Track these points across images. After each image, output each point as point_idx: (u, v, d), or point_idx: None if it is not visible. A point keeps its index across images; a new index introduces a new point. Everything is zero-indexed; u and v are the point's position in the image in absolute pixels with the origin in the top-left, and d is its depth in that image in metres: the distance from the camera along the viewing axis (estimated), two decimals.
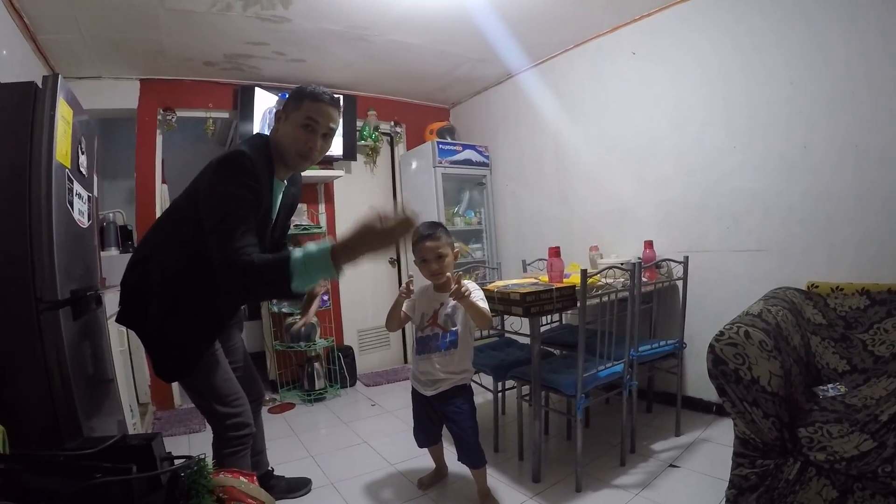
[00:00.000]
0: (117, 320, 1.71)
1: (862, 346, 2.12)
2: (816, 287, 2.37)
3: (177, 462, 1.22)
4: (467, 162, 4.48)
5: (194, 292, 1.59)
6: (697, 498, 2.05)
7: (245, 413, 1.73)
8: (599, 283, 2.39)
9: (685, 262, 2.74)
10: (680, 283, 2.82)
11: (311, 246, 1.29)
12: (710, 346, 1.71)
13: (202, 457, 1.31)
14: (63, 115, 1.60)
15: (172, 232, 1.65)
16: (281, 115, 1.65)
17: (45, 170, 1.49)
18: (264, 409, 3.53)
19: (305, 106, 1.60)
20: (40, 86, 1.55)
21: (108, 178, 4.37)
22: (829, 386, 2.00)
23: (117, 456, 1.04)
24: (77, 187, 1.74)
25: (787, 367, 1.71)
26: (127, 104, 3.63)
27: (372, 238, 1.24)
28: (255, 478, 1.39)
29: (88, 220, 1.88)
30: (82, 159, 1.82)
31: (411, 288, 2.07)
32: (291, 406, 3.70)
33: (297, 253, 1.29)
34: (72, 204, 1.67)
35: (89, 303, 1.78)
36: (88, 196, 1.90)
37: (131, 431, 2.53)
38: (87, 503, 0.91)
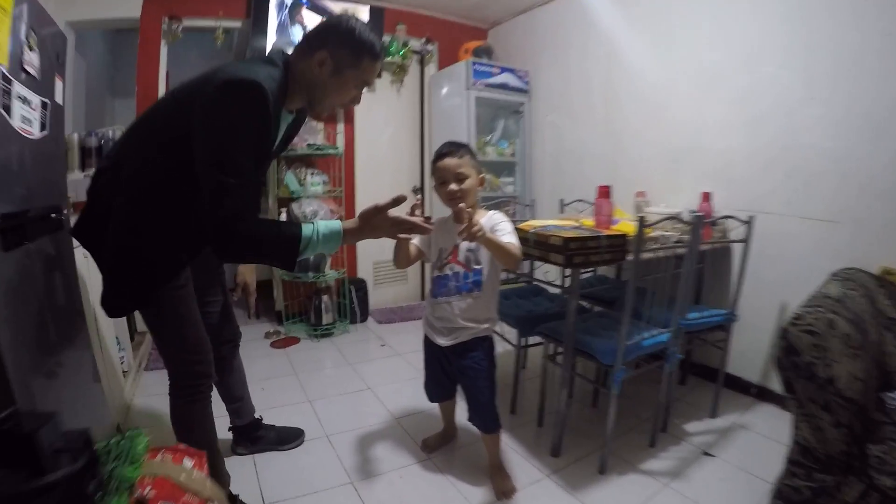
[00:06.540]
0: (71, 232, 1.49)
1: None
2: (892, 274, 1.99)
3: (97, 446, 0.98)
4: (504, 87, 4.01)
5: (165, 213, 1.36)
6: (732, 497, 1.80)
7: (206, 362, 1.54)
8: (652, 234, 2.03)
9: (750, 223, 2.35)
10: (737, 246, 2.44)
11: (322, 225, 1.31)
12: (784, 330, 1.40)
13: (133, 433, 1.08)
14: None
15: (151, 138, 1.39)
16: (327, 59, 1.37)
17: None
18: (266, 343, 3.42)
19: (365, 66, 1.42)
20: None
21: (119, 96, 4.33)
22: None
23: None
24: (19, 89, 1.43)
25: (869, 369, 1.39)
26: (131, 13, 3.28)
27: (372, 229, 1.36)
28: (204, 458, 1.16)
29: (42, 129, 1.59)
30: (30, 56, 1.50)
31: (418, 205, 1.66)
32: (296, 340, 3.52)
33: (307, 231, 1.28)
34: (8, 108, 1.37)
35: (35, 229, 1.51)
36: (42, 101, 1.60)
37: (119, 368, 2.36)
38: None
